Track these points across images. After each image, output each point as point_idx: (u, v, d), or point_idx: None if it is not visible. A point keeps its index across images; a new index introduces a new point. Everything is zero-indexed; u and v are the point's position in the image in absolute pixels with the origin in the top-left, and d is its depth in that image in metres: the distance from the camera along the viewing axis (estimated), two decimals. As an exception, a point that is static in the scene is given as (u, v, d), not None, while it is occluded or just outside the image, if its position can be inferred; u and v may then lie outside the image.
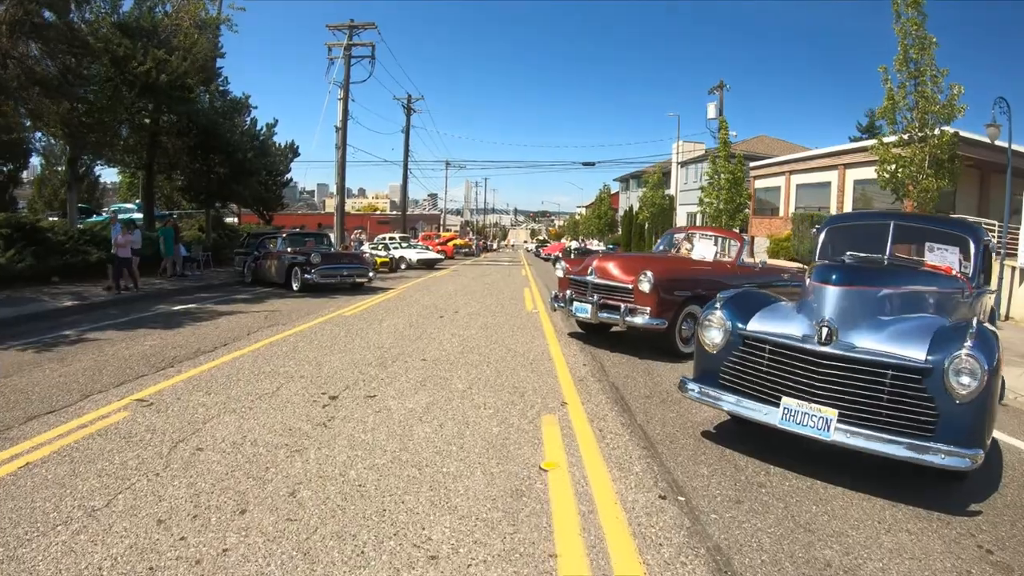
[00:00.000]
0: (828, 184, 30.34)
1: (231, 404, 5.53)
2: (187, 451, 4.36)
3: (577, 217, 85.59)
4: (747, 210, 23.91)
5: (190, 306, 12.94)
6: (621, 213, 55.14)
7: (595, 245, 37.69)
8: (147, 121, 22.69)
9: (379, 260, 25.22)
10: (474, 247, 54.38)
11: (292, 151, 35.95)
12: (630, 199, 60.33)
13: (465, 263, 36.45)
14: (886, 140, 17.25)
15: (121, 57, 18.06)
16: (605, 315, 8.25)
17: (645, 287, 7.87)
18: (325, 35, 30.61)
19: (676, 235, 11.19)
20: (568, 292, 8.92)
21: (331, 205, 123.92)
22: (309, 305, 13.33)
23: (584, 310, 8.45)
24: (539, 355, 7.98)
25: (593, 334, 9.57)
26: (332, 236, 31.09)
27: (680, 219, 44.68)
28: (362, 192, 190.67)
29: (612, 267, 8.48)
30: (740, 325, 4.59)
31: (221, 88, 26.10)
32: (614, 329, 9.16)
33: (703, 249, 9.80)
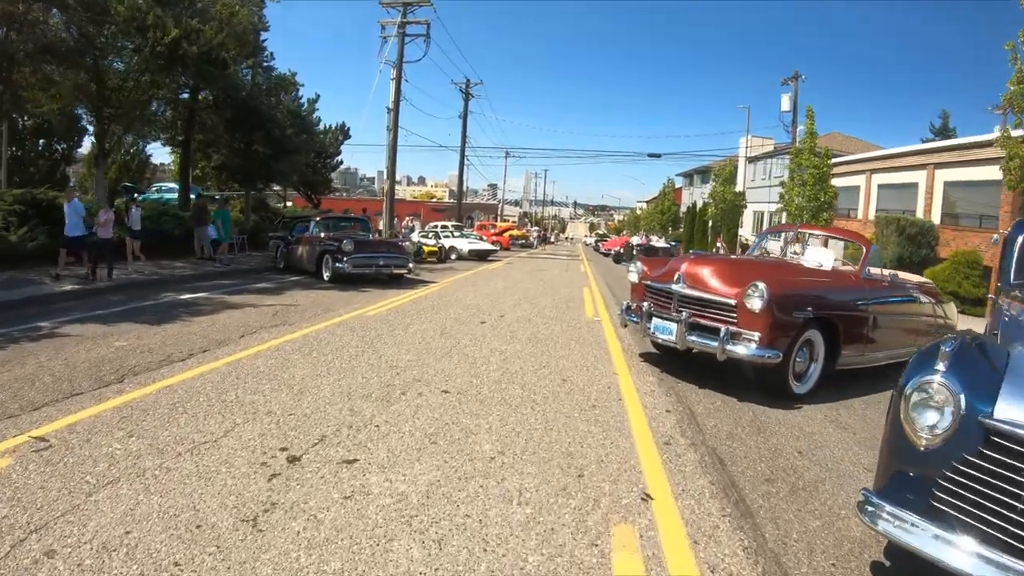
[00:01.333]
0: (914, 185, 27.19)
1: (147, 459, 3.67)
2: (29, 556, 2.49)
3: (638, 212, 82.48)
4: (832, 210, 21.06)
5: (200, 295, 11.39)
6: (684, 209, 52.21)
7: (659, 242, 35.15)
8: (185, 96, 21.65)
9: (427, 249, 23.45)
10: (532, 238, 52.34)
11: (342, 133, 34.69)
12: (693, 195, 57.27)
13: (520, 255, 34.44)
14: (1014, 133, 14.34)
15: (149, 26, 16.74)
16: (696, 339, 6.07)
17: (755, 304, 5.67)
18: (378, 12, 29.00)
19: (778, 235, 8.90)
20: (645, 304, 6.73)
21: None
22: (332, 299, 11.58)
23: (667, 330, 6.28)
24: (604, 391, 5.85)
25: (671, 355, 7.39)
26: (381, 222, 29.66)
27: (746, 218, 41.63)
28: (422, 180, 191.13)
29: (708, 274, 6.25)
30: (982, 407, 2.42)
31: (265, 64, 24.83)
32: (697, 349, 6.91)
33: (819, 255, 7.51)
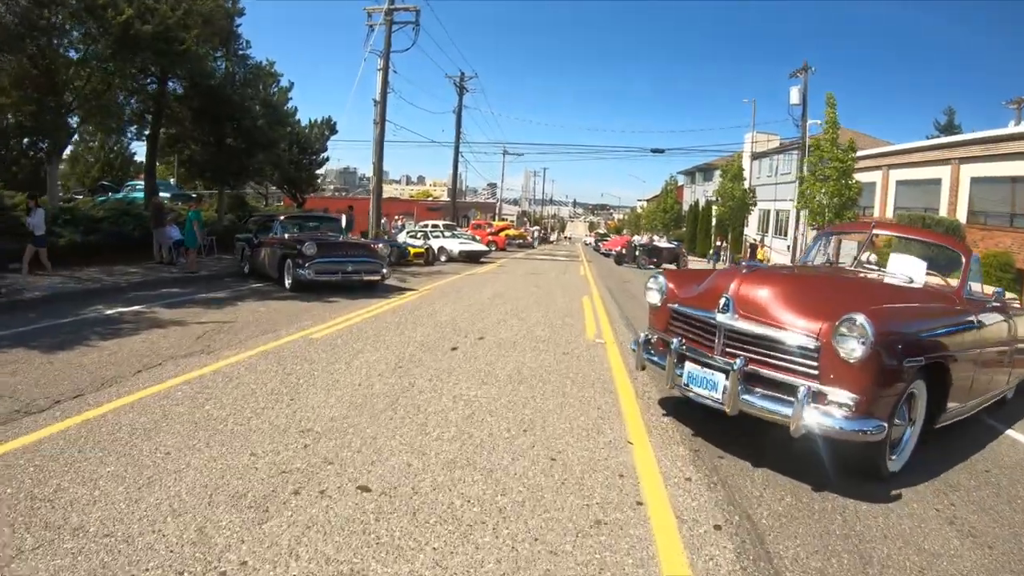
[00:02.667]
0: (937, 182, 25.20)
1: None
2: None
3: (639, 210, 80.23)
4: (856, 208, 18.96)
5: (132, 309, 9.56)
6: (686, 208, 50.15)
7: (662, 241, 33.08)
8: (151, 85, 19.69)
9: (413, 251, 21.37)
10: (531, 238, 50.20)
11: (328, 127, 32.61)
12: (695, 193, 55.25)
13: (516, 256, 32.33)
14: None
15: (100, 5, 14.76)
16: (757, 402, 3.93)
17: (853, 349, 3.57)
18: (365, -1, 26.93)
19: (836, 238, 6.83)
20: (675, 341, 4.55)
21: (389, 191, 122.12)
22: (283, 313, 9.57)
23: (709, 383, 4.15)
24: (615, 485, 3.70)
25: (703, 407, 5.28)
26: (370, 221, 27.57)
27: (751, 217, 39.51)
28: (421, 180, 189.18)
29: (774, 297, 4.13)
30: None
31: (240, 52, 22.79)
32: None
33: (908, 265, 5.41)
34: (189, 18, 16.81)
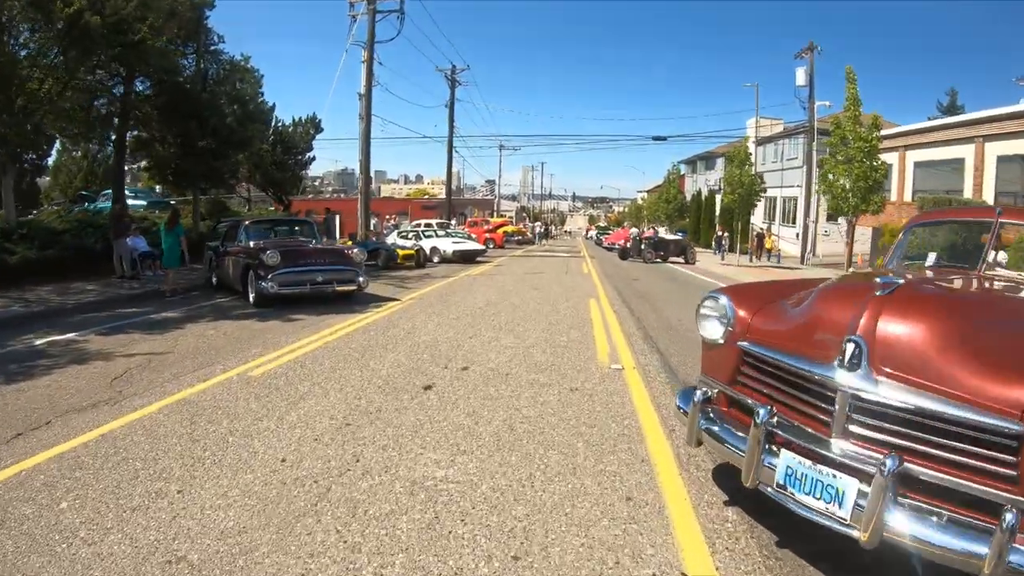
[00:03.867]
0: (959, 161, 23.45)
1: None
2: None
3: (640, 202, 78.22)
4: (882, 191, 17.14)
5: (68, 336, 8.20)
6: (688, 198, 48.26)
7: (667, 233, 31.28)
8: (117, 85, 18.06)
9: (402, 253, 19.60)
10: (532, 234, 48.34)
11: (313, 126, 30.85)
12: (697, 183, 53.40)
13: (515, 253, 30.53)
14: None
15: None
16: (915, 529, 2.19)
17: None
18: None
19: (934, 225, 5.05)
20: (762, 410, 2.61)
21: (387, 191, 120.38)
22: (233, 338, 8.01)
23: (831, 494, 2.35)
24: None
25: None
26: (359, 222, 25.84)
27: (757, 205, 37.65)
28: (419, 178, 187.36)
29: (944, 342, 2.28)
30: None
31: (213, 47, 21.05)
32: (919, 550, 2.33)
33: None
34: (146, 9, 15.08)
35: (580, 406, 5.08)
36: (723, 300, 3.29)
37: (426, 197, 67.12)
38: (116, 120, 18.92)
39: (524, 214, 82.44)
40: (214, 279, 13.60)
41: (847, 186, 16.51)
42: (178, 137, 18.86)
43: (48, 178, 41.13)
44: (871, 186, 16.47)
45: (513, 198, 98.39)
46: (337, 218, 29.39)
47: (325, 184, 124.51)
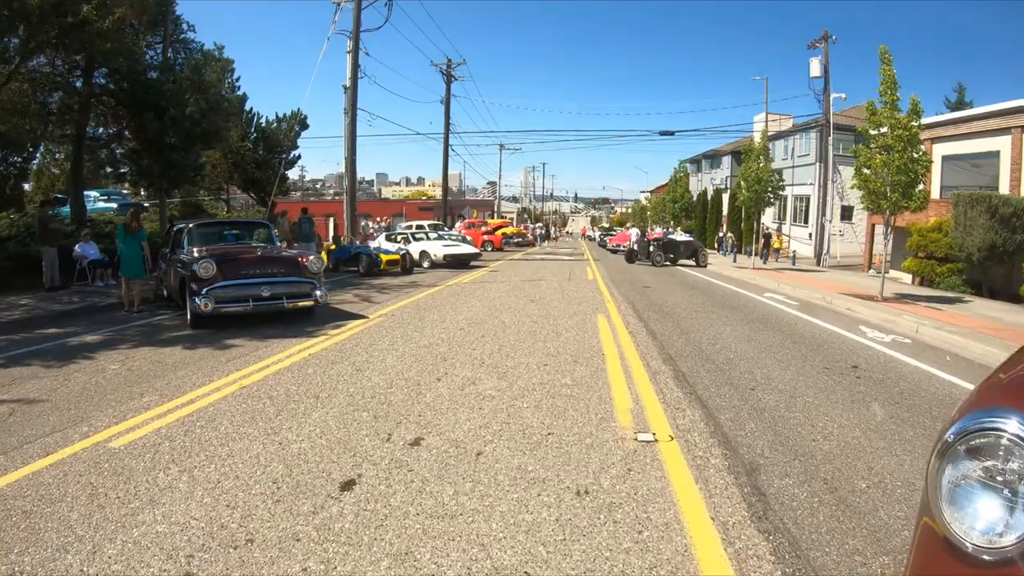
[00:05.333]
0: (994, 155, 21.10)
1: None
2: None
3: (644, 202, 75.74)
4: (922, 186, 14.85)
5: None
6: (694, 197, 45.95)
7: (677, 235, 29.05)
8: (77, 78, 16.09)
9: (386, 258, 17.39)
10: (533, 235, 46.07)
11: (298, 122, 28.65)
12: (702, 182, 51.12)
13: (514, 257, 28.26)
14: None
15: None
16: None
17: None
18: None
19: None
20: None
21: (387, 193, 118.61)
22: (134, 376, 6.01)
23: None
24: None
25: None
26: (346, 224, 23.68)
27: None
28: (421, 180, 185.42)
29: None
30: None
31: (182, 36, 18.96)
32: None
33: None
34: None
35: (593, 539, 2.88)
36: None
37: (424, 198, 64.89)
38: (72, 114, 16.90)
39: (526, 215, 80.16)
40: (165, 292, 11.48)
41: (887, 179, 14.24)
42: (137, 132, 16.79)
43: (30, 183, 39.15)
44: (913, 180, 14.19)
45: (514, 199, 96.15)
46: (331, 220, 27.27)
47: (327, 187, 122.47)
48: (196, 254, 9.49)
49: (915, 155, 14.38)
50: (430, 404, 4.98)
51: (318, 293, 9.32)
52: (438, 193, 73.71)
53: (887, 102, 14.66)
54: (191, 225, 10.87)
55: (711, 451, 4.00)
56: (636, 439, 4.17)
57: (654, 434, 4.26)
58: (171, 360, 6.70)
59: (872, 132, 14.98)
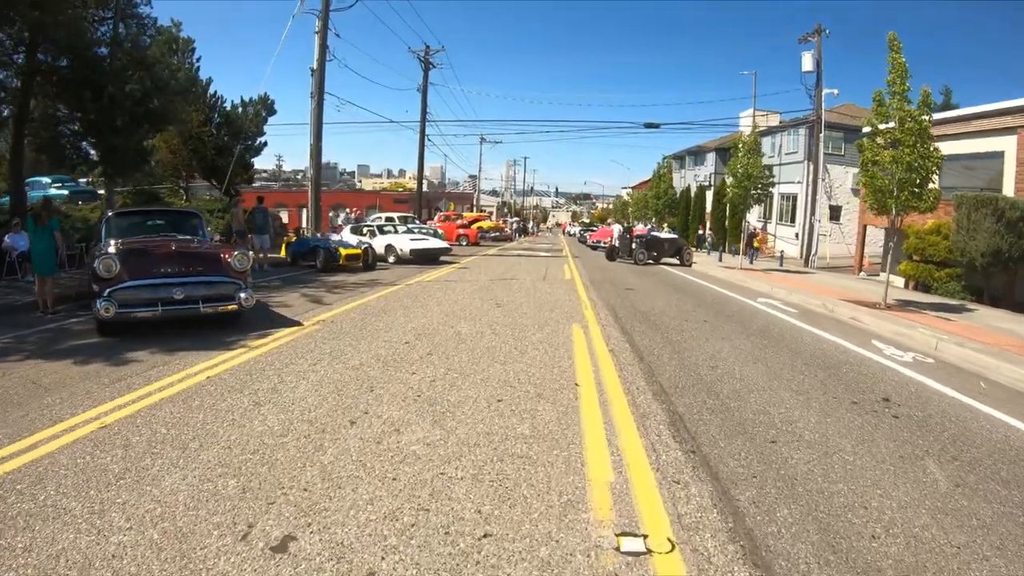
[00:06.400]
0: (997, 155, 19.97)
1: None
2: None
3: (626, 197, 74.34)
4: (935, 184, 13.53)
5: None
6: (677, 194, 44.68)
7: (662, 232, 27.72)
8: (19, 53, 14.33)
9: (345, 253, 15.80)
10: (510, 230, 44.50)
11: (265, 107, 26.88)
12: (685, 178, 49.88)
13: (489, 252, 26.71)
14: None
15: None
16: None
17: None
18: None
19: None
20: None
21: (368, 185, 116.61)
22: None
23: None
24: None
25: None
26: (309, 215, 22.05)
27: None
28: (402, 173, 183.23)
29: None
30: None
31: (135, 11, 17.15)
32: None
33: None
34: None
35: None
36: None
37: (401, 190, 63.06)
38: (13, 93, 15.07)
39: (506, 209, 78.53)
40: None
41: (898, 176, 12.93)
42: (76, 111, 15.05)
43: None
44: (925, 177, 12.91)
45: (495, 193, 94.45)
46: (304, 212, 25.50)
47: (307, 178, 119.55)
48: (113, 248, 7.91)
49: (926, 151, 13.09)
50: (326, 470, 3.48)
51: (242, 296, 7.74)
52: (414, 185, 72.03)
53: (897, 92, 13.32)
54: (110, 214, 9.26)
55: (733, 570, 2.56)
56: (619, 549, 2.70)
57: (645, 537, 2.79)
58: (49, 380, 5.20)
59: (880, 126, 13.64)
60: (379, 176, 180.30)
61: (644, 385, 5.40)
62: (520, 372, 5.71)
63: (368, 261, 16.28)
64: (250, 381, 5.30)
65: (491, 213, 60.20)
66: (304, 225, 19.99)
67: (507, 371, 5.74)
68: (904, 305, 13.06)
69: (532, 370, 5.80)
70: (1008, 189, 19.13)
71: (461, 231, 30.58)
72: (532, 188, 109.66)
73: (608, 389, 5.21)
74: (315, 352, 6.44)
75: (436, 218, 34.29)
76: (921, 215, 14.76)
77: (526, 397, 4.91)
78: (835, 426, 4.63)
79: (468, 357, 6.28)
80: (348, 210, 27.05)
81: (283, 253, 17.72)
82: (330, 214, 27.53)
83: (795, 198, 33.21)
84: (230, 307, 7.70)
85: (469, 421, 4.33)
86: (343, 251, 15.75)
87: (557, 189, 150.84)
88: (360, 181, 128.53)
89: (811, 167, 28.41)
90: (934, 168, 13.23)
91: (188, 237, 9.22)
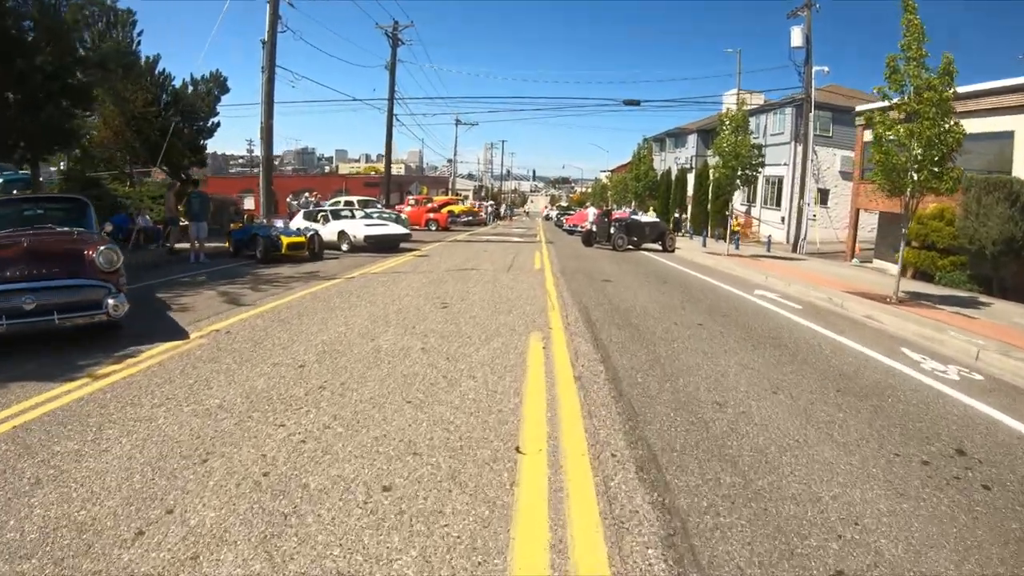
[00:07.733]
0: (1007, 135, 18.31)
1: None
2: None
3: (605, 181, 72.48)
4: (952, 163, 11.83)
5: None
6: (658, 177, 42.89)
7: (643, 216, 25.95)
8: None
9: (286, 241, 13.81)
10: (484, 214, 42.50)
11: (217, 85, 24.55)
12: (666, 161, 48.14)
13: (457, 238, 24.74)
14: None
15: None
16: None
17: None
18: None
19: None
20: None
21: (345, 169, 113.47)
22: None
23: None
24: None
25: None
26: (261, 201, 19.92)
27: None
28: (380, 158, 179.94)
29: None
30: None
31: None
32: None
33: None
34: None
35: None
36: None
37: (373, 174, 60.54)
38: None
39: (483, 193, 76.30)
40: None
41: (917, 154, 11.21)
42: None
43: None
44: (945, 154, 11.23)
45: (471, 177, 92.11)
46: (240, 201, 23.35)
47: (285, 163, 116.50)
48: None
49: (947, 125, 11.36)
50: None
51: (111, 302, 5.82)
52: (396, 169, 69.32)
53: (913, 58, 11.51)
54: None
55: None
56: None
57: None
58: None
59: (893, 98, 11.86)
60: (357, 160, 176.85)
61: (623, 445, 3.58)
62: (438, 423, 3.88)
63: (315, 250, 14.32)
64: (60, 436, 3.47)
65: (466, 197, 58.03)
66: (293, 207, 17.86)
67: (418, 421, 3.90)
68: (915, 298, 11.45)
69: (458, 418, 3.96)
70: (1018, 171, 17.52)
71: (431, 215, 28.60)
72: (510, 172, 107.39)
73: (568, 459, 3.38)
74: (173, 383, 4.57)
75: (405, 201, 32.23)
76: (936, 198, 13.12)
77: (431, 481, 3.07)
78: (918, 520, 2.90)
79: (373, 392, 4.44)
80: (307, 194, 24.85)
81: (227, 243, 15.71)
82: (288, 198, 25.38)
83: (780, 181, 31.62)
84: (97, 316, 5.79)
85: (317, 542, 2.50)
86: (285, 239, 13.75)
87: (535, 172, 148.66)
88: (338, 166, 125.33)
89: (799, 148, 26.76)
90: (955, 145, 11.50)
91: (66, 230, 7.23)
